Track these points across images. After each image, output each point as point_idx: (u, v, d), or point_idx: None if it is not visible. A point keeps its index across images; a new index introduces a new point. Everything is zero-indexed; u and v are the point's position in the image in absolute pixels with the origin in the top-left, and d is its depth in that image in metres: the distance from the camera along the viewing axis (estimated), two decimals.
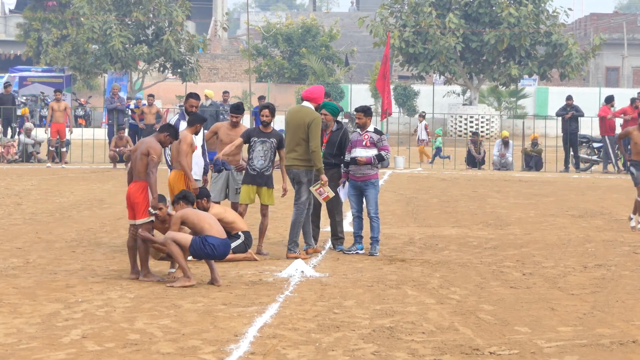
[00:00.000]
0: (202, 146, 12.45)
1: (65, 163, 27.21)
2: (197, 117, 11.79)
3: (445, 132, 44.86)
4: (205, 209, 11.94)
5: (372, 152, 12.45)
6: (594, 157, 29.10)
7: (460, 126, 43.50)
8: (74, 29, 45.11)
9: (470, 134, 32.32)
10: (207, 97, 29.98)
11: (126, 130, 29.17)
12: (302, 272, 10.81)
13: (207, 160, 12.64)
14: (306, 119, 12.10)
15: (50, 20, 50.33)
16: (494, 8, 41.45)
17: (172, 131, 10.82)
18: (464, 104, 44.95)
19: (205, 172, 12.51)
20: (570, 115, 28.02)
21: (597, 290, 10.18)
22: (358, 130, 12.77)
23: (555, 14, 41.94)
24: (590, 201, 19.35)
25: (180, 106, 37.53)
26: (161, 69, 45.38)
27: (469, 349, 7.64)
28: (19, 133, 29.24)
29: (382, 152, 12.56)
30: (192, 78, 45.11)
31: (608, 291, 10.12)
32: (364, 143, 12.51)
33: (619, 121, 28.15)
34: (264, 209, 12.51)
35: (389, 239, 13.72)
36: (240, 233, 12.05)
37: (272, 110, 12.41)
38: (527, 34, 40.61)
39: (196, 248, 10.13)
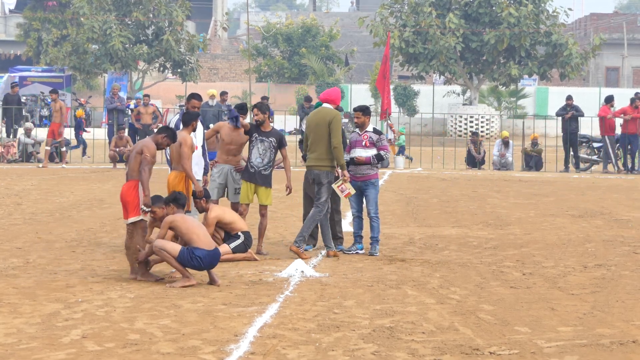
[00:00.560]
0: (203, 146, 12.45)
1: (66, 163, 27.21)
2: (191, 115, 11.80)
3: (445, 132, 44.91)
4: (204, 210, 11.94)
5: (372, 152, 12.45)
6: (594, 157, 29.11)
7: (460, 126, 43.51)
8: (74, 29, 45.12)
9: (470, 134, 32.31)
10: (212, 97, 29.99)
11: (126, 130, 29.18)
12: (302, 272, 10.81)
13: (207, 160, 12.65)
14: (326, 117, 12.19)
15: (50, 20, 50.34)
16: (494, 8, 41.46)
17: (170, 133, 10.82)
18: (464, 104, 44.95)
19: (205, 172, 12.51)
20: (570, 115, 28.02)
21: (597, 290, 10.18)
22: (357, 130, 12.77)
23: (555, 14, 41.95)
24: (590, 201, 19.35)
25: (180, 106, 37.57)
26: (161, 69, 45.39)
27: (469, 349, 7.64)
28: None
29: (382, 152, 12.57)
30: (192, 78, 45.12)
31: (608, 291, 10.12)
32: (363, 143, 12.52)
33: (618, 121, 28.16)
34: (262, 209, 12.51)
35: (389, 239, 13.72)
36: (240, 233, 12.05)
37: (262, 108, 12.41)
38: (527, 34, 40.62)
39: (184, 260, 10.13)
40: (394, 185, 22.31)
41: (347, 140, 12.97)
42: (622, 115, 27.42)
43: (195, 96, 12.51)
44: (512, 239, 14.02)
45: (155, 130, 28.90)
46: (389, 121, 30.24)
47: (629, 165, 27.66)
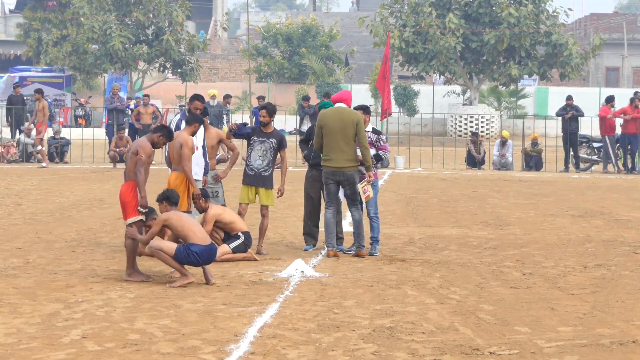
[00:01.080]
0: (203, 146, 12.44)
1: (65, 163, 27.20)
2: (195, 117, 11.78)
3: (445, 132, 44.90)
4: (204, 209, 11.94)
5: (371, 152, 12.44)
6: (594, 157, 29.11)
7: (460, 126, 43.51)
8: (74, 29, 45.11)
9: (470, 134, 32.31)
10: (213, 97, 29.99)
11: (126, 130, 29.18)
12: (302, 272, 10.81)
13: (207, 160, 12.63)
14: (353, 117, 12.14)
15: (50, 20, 50.33)
16: (494, 8, 41.45)
17: (165, 132, 10.81)
18: (464, 104, 44.95)
19: (205, 173, 12.49)
20: (570, 115, 28.02)
21: (597, 290, 10.18)
22: None
23: (555, 14, 41.94)
24: (590, 201, 19.35)
25: (180, 106, 37.58)
26: (161, 69, 45.38)
27: (469, 349, 7.64)
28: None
29: (380, 152, 12.56)
30: (192, 78, 45.12)
31: (608, 291, 10.12)
32: None
33: (618, 121, 28.16)
34: (263, 210, 12.51)
35: (389, 239, 13.72)
36: (239, 233, 12.04)
37: (270, 110, 12.38)
38: (527, 34, 40.62)
39: (181, 257, 10.13)
40: (394, 185, 22.31)
41: None
42: (622, 115, 27.42)
43: (198, 97, 12.50)
44: (512, 239, 14.02)
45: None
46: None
47: (629, 165, 27.66)
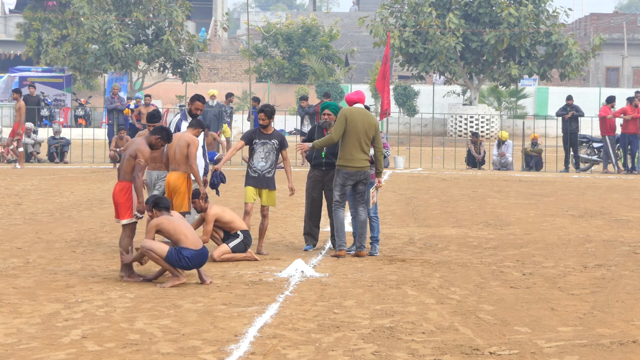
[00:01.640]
0: (203, 146, 12.45)
1: (65, 163, 27.18)
2: (200, 123, 11.82)
3: (445, 131, 44.90)
4: (204, 209, 11.94)
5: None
6: (594, 157, 29.11)
7: (460, 126, 43.50)
8: (74, 29, 45.09)
9: (470, 134, 32.31)
10: (213, 97, 29.96)
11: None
12: (302, 272, 10.81)
13: (207, 160, 12.65)
14: (373, 121, 12.29)
15: (50, 20, 50.31)
16: (494, 8, 41.43)
17: (164, 134, 10.79)
18: (464, 104, 44.94)
19: (205, 173, 12.51)
20: (570, 115, 28.03)
21: (597, 290, 10.19)
22: None
23: (555, 14, 41.92)
24: (590, 201, 19.35)
25: (180, 106, 37.57)
26: (161, 69, 45.37)
27: (469, 349, 7.64)
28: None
29: (383, 150, 12.58)
30: (192, 78, 45.10)
31: (608, 291, 10.12)
32: None
33: (619, 121, 28.16)
34: (264, 210, 12.51)
35: (389, 239, 13.72)
36: (239, 232, 12.04)
37: (269, 112, 12.35)
38: (527, 34, 40.61)
39: (172, 260, 10.13)
40: (394, 185, 22.31)
41: None
42: (622, 115, 27.42)
43: (199, 98, 12.49)
44: (512, 239, 14.02)
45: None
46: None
47: (629, 165, 27.66)
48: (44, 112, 43.45)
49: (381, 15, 42.35)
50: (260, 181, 12.35)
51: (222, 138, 28.30)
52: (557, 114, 28.76)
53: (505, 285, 10.39)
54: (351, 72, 54.35)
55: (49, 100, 44.37)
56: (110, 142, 28.35)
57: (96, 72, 45.95)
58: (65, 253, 12.21)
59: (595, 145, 29.17)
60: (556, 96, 47.49)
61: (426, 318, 8.74)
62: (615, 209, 17.91)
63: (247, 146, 12.59)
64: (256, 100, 29.78)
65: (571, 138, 28.13)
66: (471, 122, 43.13)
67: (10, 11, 60.56)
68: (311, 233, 12.83)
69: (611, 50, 60.03)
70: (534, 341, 7.93)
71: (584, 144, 29.42)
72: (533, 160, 28.82)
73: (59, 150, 28.52)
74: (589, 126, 37.28)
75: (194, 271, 10.55)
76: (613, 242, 13.68)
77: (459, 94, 48.43)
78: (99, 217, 15.72)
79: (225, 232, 12.11)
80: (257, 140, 12.37)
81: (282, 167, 12.86)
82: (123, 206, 10.52)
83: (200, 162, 12.24)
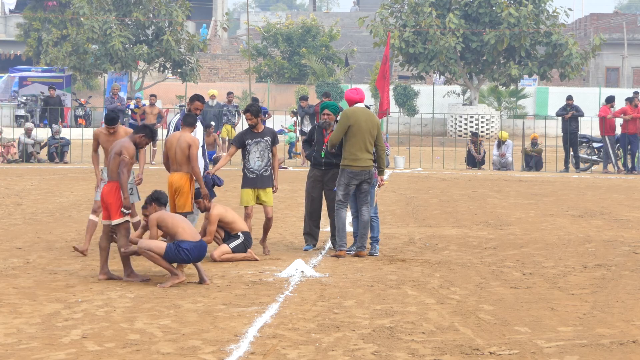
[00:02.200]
0: (202, 146, 12.45)
1: (65, 163, 27.18)
2: (193, 120, 11.80)
3: (445, 131, 44.90)
4: (207, 209, 11.94)
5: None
6: (594, 157, 29.11)
7: (460, 126, 43.51)
8: (74, 29, 45.10)
9: (470, 134, 32.31)
10: (212, 97, 29.97)
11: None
12: (302, 272, 10.81)
13: (207, 160, 12.64)
14: (376, 120, 12.36)
15: (50, 20, 50.32)
16: (494, 8, 41.43)
17: (147, 132, 10.85)
18: (464, 104, 44.94)
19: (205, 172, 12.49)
20: (570, 115, 28.03)
21: (597, 290, 10.19)
22: None
23: (555, 14, 41.92)
24: (590, 201, 19.35)
25: (180, 106, 37.56)
26: (161, 69, 45.38)
27: (469, 349, 7.64)
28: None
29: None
30: (192, 78, 45.11)
31: (608, 291, 10.12)
32: None
33: (618, 121, 28.16)
34: (268, 211, 12.39)
35: (389, 239, 13.72)
36: (239, 233, 12.05)
37: (254, 112, 12.32)
38: (527, 34, 40.61)
39: (171, 255, 10.13)
40: (394, 185, 22.31)
41: None
42: (622, 115, 27.42)
43: (198, 98, 12.50)
44: (512, 239, 14.02)
45: (158, 129, 29.00)
46: (294, 119, 29.93)
47: (629, 165, 27.66)
48: None
49: (381, 15, 42.35)
50: (259, 181, 12.32)
51: (220, 139, 28.36)
52: (557, 114, 28.76)
53: (505, 285, 10.39)
54: (351, 72, 54.35)
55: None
56: None
57: (96, 72, 45.96)
58: (65, 253, 12.22)
59: (595, 145, 29.17)
60: (556, 96, 47.49)
61: (426, 318, 8.74)
62: (615, 209, 17.91)
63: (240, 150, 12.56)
64: (256, 101, 29.76)
65: (571, 138, 28.13)
66: (471, 122, 43.13)
67: (10, 11, 60.56)
68: (311, 233, 12.82)
69: (611, 50, 60.03)
70: (534, 341, 7.93)
71: (584, 144, 29.42)
72: (533, 160, 28.82)
73: (58, 150, 28.53)
74: (588, 126, 37.29)
75: (194, 271, 10.56)
76: (613, 242, 13.68)
77: (459, 94, 48.43)
78: (102, 217, 15.70)
79: (226, 232, 12.11)
80: (250, 141, 12.34)
81: (284, 168, 12.83)
82: (113, 206, 10.54)
83: (200, 162, 12.23)
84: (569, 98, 28.53)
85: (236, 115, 29.94)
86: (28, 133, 28.50)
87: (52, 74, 47.33)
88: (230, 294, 9.75)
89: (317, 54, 51.12)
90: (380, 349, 7.64)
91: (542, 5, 41.67)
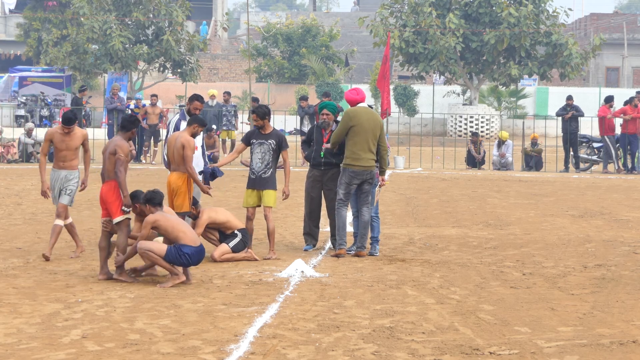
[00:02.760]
0: (202, 146, 12.45)
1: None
2: (197, 119, 11.77)
3: (445, 131, 44.90)
4: (196, 217, 11.88)
5: None
6: (594, 157, 29.10)
7: (460, 126, 43.50)
8: (74, 29, 45.09)
9: (470, 134, 32.30)
10: (212, 97, 29.96)
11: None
12: (302, 272, 10.81)
13: (207, 160, 12.63)
14: (379, 120, 12.40)
15: (50, 20, 50.30)
16: (494, 8, 41.43)
17: (126, 124, 10.88)
18: (464, 104, 44.93)
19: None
20: (570, 115, 28.02)
21: (597, 290, 10.19)
22: None
23: (555, 14, 41.91)
24: (590, 201, 19.35)
25: (180, 106, 37.53)
26: (161, 69, 45.38)
27: (469, 349, 7.64)
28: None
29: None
30: (192, 78, 45.10)
31: (608, 291, 10.12)
32: None
33: (618, 121, 28.15)
34: (265, 211, 12.26)
35: (389, 239, 13.72)
36: (236, 231, 12.02)
37: (260, 113, 12.22)
38: (527, 34, 40.60)
39: (172, 258, 10.13)
40: (394, 185, 22.31)
41: None
42: (622, 115, 27.42)
43: (197, 97, 12.49)
44: (512, 239, 14.02)
45: (160, 129, 29.00)
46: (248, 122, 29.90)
47: (629, 165, 27.66)
48: (44, 112, 43.47)
49: (381, 15, 42.34)
50: (258, 182, 12.25)
51: (220, 141, 28.39)
52: (557, 114, 28.76)
53: (505, 285, 10.39)
54: (351, 72, 54.35)
55: (49, 101, 44.37)
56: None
57: (96, 72, 45.95)
58: (65, 253, 12.21)
59: (595, 145, 29.17)
60: (556, 96, 47.47)
61: (426, 318, 8.74)
62: (615, 209, 17.91)
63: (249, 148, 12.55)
64: (255, 100, 29.78)
65: (571, 138, 28.12)
66: (471, 122, 43.13)
67: (10, 11, 60.56)
68: (311, 233, 12.81)
69: (611, 50, 60.03)
70: (534, 341, 7.93)
71: (584, 144, 29.41)
72: (533, 160, 28.81)
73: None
74: (588, 126, 37.26)
75: (194, 270, 10.56)
76: (613, 242, 13.68)
77: (459, 94, 48.42)
78: (99, 217, 15.67)
79: (220, 232, 12.06)
80: (255, 141, 12.31)
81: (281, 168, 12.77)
82: (113, 205, 10.56)
83: (199, 162, 12.23)
84: (569, 98, 28.53)
85: (235, 116, 29.95)
86: (29, 133, 28.49)
87: (52, 74, 47.33)
88: (230, 294, 9.75)
89: (317, 54, 51.12)
90: (380, 349, 7.64)
91: (542, 5, 41.66)
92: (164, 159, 12.21)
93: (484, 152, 29.40)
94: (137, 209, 10.72)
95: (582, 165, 28.77)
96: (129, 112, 30.21)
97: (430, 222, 15.88)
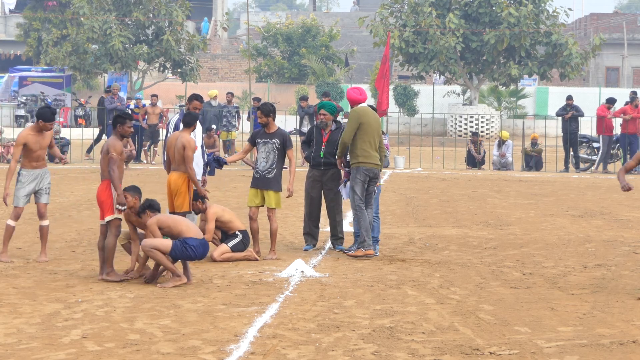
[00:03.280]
0: (201, 146, 12.44)
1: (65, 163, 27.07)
2: (193, 117, 11.78)
3: (445, 131, 44.91)
4: (202, 211, 11.92)
5: None
6: (594, 157, 29.10)
7: (460, 126, 43.51)
8: (74, 29, 45.10)
9: (470, 134, 32.30)
10: (215, 98, 29.94)
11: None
12: (302, 272, 10.81)
13: (207, 160, 12.62)
14: (379, 121, 12.50)
15: (50, 20, 50.31)
16: (494, 8, 41.43)
17: (118, 120, 10.85)
18: (464, 104, 44.94)
19: (203, 172, 12.49)
20: (570, 115, 28.03)
21: (597, 290, 10.19)
22: None
23: (555, 14, 41.92)
24: (590, 201, 19.35)
25: (180, 106, 37.53)
26: (161, 69, 45.38)
27: (469, 349, 7.64)
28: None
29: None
30: (192, 78, 45.11)
31: (608, 291, 10.12)
32: None
33: (617, 121, 28.15)
34: (269, 212, 12.24)
35: (389, 239, 13.72)
36: (237, 232, 12.04)
37: (264, 110, 12.21)
38: (527, 34, 40.61)
39: (178, 252, 10.17)
40: (394, 185, 22.31)
41: None
42: (622, 115, 27.41)
43: (197, 97, 12.48)
44: (512, 239, 14.02)
45: (161, 129, 28.99)
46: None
47: None
48: None
49: (381, 15, 42.34)
50: (261, 182, 12.22)
51: (220, 141, 28.38)
52: (557, 114, 28.76)
53: (505, 285, 10.39)
54: (351, 72, 54.36)
55: (49, 100, 44.36)
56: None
57: (96, 72, 45.96)
58: (65, 253, 12.22)
59: (595, 145, 29.16)
60: (556, 96, 47.48)
61: (426, 318, 8.73)
62: (615, 209, 17.91)
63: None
64: (257, 100, 29.78)
65: (571, 138, 28.13)
66: (471, 122, 43.13)
67: (10, 11, 60.55)
68: (311, 233, 12.81)
69: (611, 50, 60.03)
70: (534, 341, 7.93)
71: (584, 144, 29.42)
72: (533, 160, 28.82)
73: (62, 150, 28.51)
74: (588, 126, 37.26)
75: (194, 271, 10.56)
76: (613, 242, 13.68)
77: (459, 94, 48.43)
78: (98, 217, 15.68)
79: (223, 232, 12.10)
80: (259, 140, 12.29)
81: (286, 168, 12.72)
82: (105, 204, 10.59)
83: (199, 163, 12.23)
84: (569, 98, 28.53)
85: (236, 116, 29.94)
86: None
87: (52, 74, 47.34)
88: (230, 294, 9.75)
89: (317, 54, 51.12)
90: (380, 349, 7.64)
91: (542, 5, 41.66)
92: (164, 159, 12.19)
93: (484, 152, 29.40)
94: (129, 203, 10.65)
95: (582, 165, 28.78)
96: (129, 112, 30.24)
97: (430, 222, 15.88)
